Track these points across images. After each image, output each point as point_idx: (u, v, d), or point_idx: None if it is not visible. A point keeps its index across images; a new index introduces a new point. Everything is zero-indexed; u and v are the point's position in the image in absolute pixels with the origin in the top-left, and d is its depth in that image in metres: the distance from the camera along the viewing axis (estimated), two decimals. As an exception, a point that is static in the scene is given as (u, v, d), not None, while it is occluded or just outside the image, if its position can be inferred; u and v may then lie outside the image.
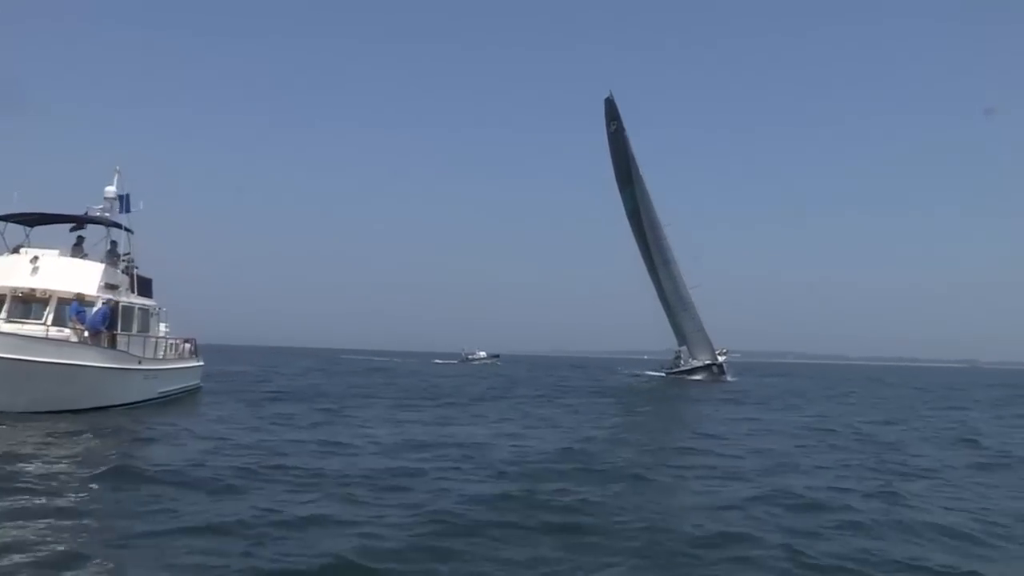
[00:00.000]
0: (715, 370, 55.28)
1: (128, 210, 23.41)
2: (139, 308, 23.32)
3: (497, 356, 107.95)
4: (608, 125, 57.38)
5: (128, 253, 24.12)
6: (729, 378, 55.00)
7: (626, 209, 58.66)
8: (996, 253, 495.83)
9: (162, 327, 26.90)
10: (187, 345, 30.84)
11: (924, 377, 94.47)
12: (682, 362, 59.04)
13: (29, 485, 9.72)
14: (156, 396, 23.02)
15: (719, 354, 57.72)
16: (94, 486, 10.04)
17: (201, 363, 33.46)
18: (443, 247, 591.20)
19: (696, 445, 17.13)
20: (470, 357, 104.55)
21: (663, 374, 60.77)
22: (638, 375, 65.27)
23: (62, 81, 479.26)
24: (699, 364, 56.53)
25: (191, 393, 28.06)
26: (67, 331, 19.00)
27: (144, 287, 25.05)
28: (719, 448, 16.39)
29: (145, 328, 23.78)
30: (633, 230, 58.97)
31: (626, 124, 56.83)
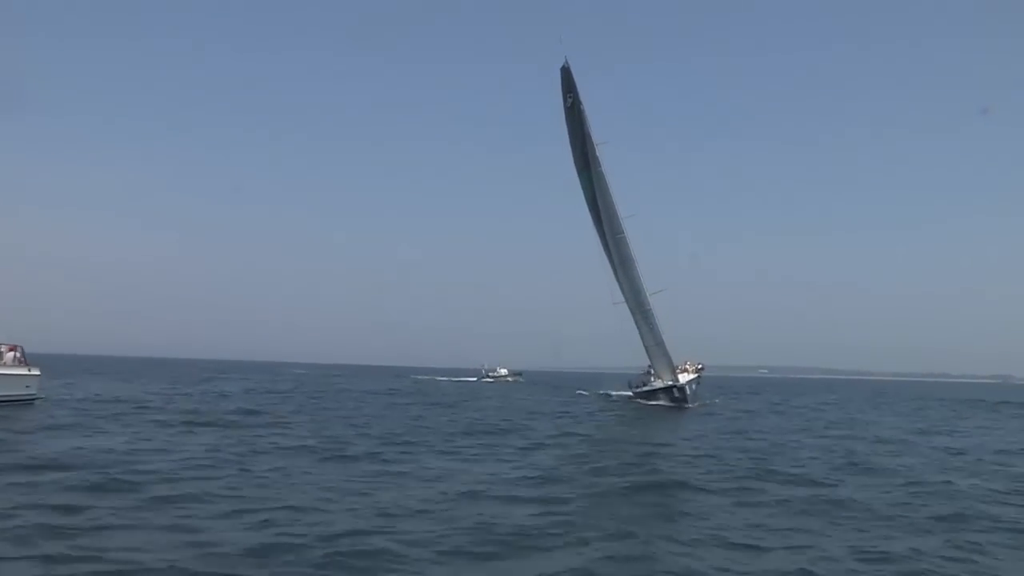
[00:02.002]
0: (676, 393, 47.62)
1: None
2: None
3: (519, 373, 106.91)
4: (564, 99, 50.86)
5: None
6: (689, 405, 47.34)
7: (585, 198, 52.23)
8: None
9: None
10: (11, 353, 31.39)
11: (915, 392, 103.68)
12: (652, 380, 51.78)
13: None
14: None
15: (686, 371, 50.30)
16: None
17: (34, 372, 35.01)
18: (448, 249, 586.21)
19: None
20: (490, 374, 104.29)
21: (630, 394, 53.74)
22: (583, 394, 61.58)
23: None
24: (660, 386, 49.15)
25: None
26: None
27: None
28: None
29: None
30: (594, 223, 52.35)
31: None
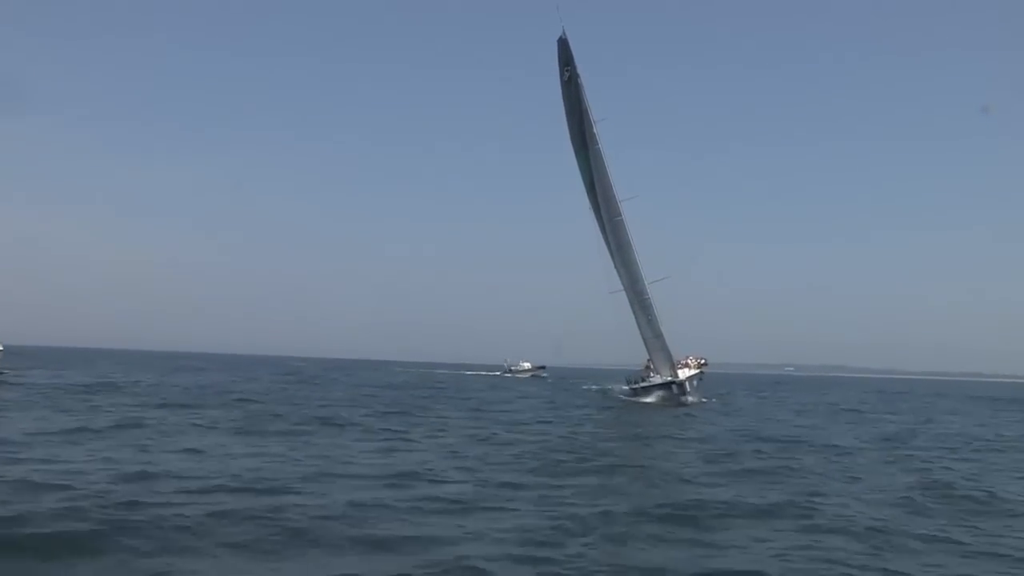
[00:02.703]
0: (674, 390, 45.29)
1: None
2: None
3: (543, 367, 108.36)
4: (561, 72, 48.80)
5: None
6: (690, 399, 45.00)
7: (583, 181, 50.05)
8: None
9: None
10: None
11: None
12: (651, 375, 49.37)
13: None
14: None
15: (687, 366, 47.98)
16: None
17: None
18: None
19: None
20: (513, 368, 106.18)
21: (628, 389, 51.51)
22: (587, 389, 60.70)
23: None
24: (659, 381, 46.81)
25: None
26: None
27: None
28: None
29: None
30: (592, 208, 50.15)
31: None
